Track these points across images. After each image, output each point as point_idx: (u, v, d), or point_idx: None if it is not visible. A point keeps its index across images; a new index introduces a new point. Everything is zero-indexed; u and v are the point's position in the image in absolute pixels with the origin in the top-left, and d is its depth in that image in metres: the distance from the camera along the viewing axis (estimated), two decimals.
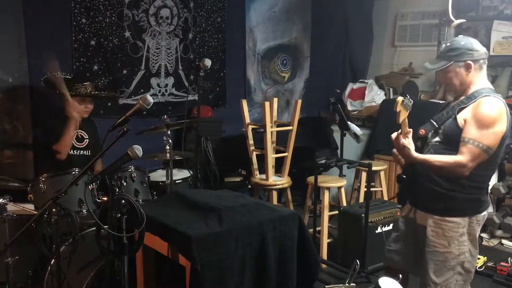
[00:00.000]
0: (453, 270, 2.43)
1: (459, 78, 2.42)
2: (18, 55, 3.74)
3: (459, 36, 2.54)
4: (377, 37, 5.95)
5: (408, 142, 2.30)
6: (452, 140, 2.35)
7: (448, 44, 2.49)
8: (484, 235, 4.54)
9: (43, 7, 3.82)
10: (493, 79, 4.90)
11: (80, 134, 3.53)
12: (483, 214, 2.46)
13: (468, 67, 2.39)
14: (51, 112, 3.66)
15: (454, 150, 2.33)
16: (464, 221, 2.40)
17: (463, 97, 2.42)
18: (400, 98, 2.24)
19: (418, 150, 2.39)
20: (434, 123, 2.45)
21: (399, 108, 2.24)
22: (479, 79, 2.43)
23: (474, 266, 2.50)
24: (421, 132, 2.43)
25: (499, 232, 4.52)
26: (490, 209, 4.52)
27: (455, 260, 2.42)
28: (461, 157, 2.28)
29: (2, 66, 3.68)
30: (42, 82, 3.52)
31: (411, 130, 2.32)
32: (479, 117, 2.29)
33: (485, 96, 2.35)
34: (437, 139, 2.44)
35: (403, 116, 2.27)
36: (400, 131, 2.32)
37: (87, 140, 3.55)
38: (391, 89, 5.65)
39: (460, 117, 2.36)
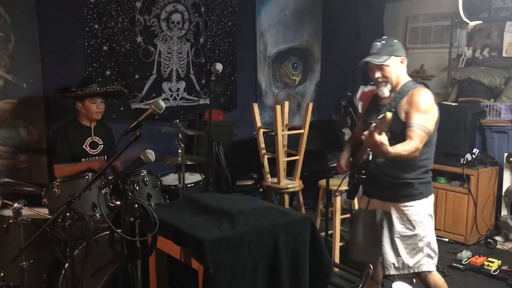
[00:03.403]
0: (423, 252, 2.64)
1: (396, 73, 2.64)
2: (32, 61, 3.80)
3: (384, 37, 2.74)
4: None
5: (385, 138, 2.34)
6: (398, 135, 2.50)
7: (383, 42, 2.65)
8: (498, 238, 4.49)
9: (57, 13, 3.88)
10: (506, 81, 4.86)
11: (94, 140, 3.56)
12: (432, 194, 2.70)
13: (402, 63, 2.67)
14: (65, 118, 3.70)
15: (400, 143, 2.47)
16: (422, 204, 2.62)
17: (394, 93, 2.65)
18: (389, 114, 2.25)
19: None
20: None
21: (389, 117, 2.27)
22: (404, 74, 2.70)
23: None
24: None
25: None
26: (505, 211, 4.48)
27: (423, 242, 2.63)
28: (413, 141, 2.45)
29: (17, 72, 3.73)
30: (54, 91, 3.57)
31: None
32: (419, 106, 2.52)
33: (415, 88, 2.61)
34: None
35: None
36: (371, 129, 2.28)
37: (101, 145, 3.59)
38: None
39: (400, 111, 2.56)
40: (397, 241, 2.63)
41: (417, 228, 2.61)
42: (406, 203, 2.61)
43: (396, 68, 2.64)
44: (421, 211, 2.62)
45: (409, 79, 2.70)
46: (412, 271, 2.65)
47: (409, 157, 2.46)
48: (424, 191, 2.63)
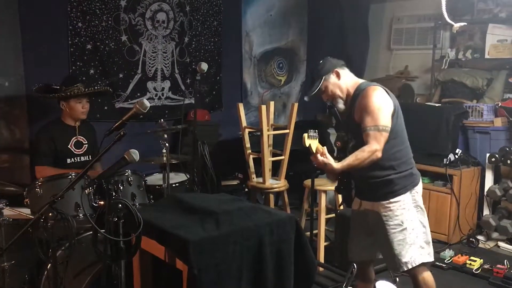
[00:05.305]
0: (415, 245, 2.62)
1: (337, 86, 2.68)
2: (14, 59, 3.74)
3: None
4: (373, 40, 5.97)
5: (327, 158, 2.46)
6: (362, 138, 2.53)
7: (313, 70, 2.78)
8: (480, 237, 4.55)
9: (39, 10, 3.82)
10: (488, 82, 4.92)
11: (79, 140, 3.52)
12: (419, 185, 2.69)
13: (337, 75, 2.68)
14: (48, 117, 3.65)
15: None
16: (406, 197, 2.61)
17: (350, 99, 2.68)
18: (305, 135, 2.49)
19: (342, 159, 2.55)
20: (343, 133, 2.72)
21: (307, 142, 2.48)
22: (351, 80, 2.70)
23: (430, 235, 2.72)
24: (337, 144, 2.62)
25: (495, 235, 4.52)
26: (487, 211, 4.54)
27: (413, 235, 2.62)
28: (370, 145, 2.46)
29: None
30: (36, 90, 3.53)
31: (324, 148, 2.51)
32: (364, 107, 2.53)
33: (363, 89, 2.61)
34: (352, 143, 2.67)
35: (315, 145, 2.50)
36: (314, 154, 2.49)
37: (86, 145, 3.55)
38: None
39: (355, 115, 2.60)
40: (390, 239, 2.61)
41: (405, 223, 2.59)
42: (390, 200, 2.59)
43: (335, 83, 2.67)
44: (407, 205, 2.61)
45: (361, 81, 2.70)
46: (409, 266, 2.60)
47: (371, 161, 2.46)
48: (407, 184, 2.61)
